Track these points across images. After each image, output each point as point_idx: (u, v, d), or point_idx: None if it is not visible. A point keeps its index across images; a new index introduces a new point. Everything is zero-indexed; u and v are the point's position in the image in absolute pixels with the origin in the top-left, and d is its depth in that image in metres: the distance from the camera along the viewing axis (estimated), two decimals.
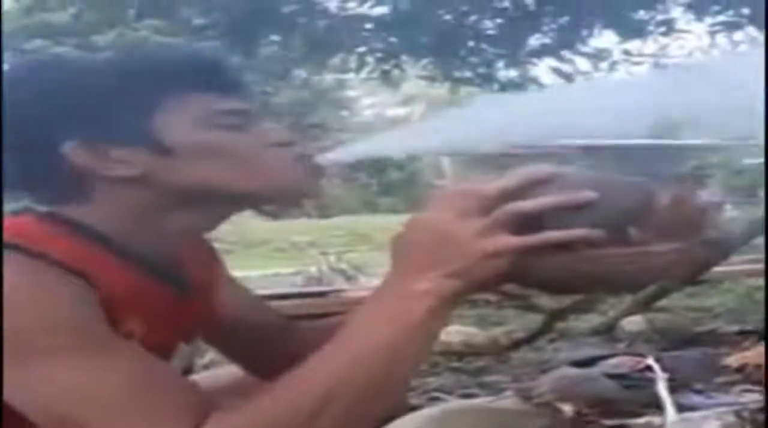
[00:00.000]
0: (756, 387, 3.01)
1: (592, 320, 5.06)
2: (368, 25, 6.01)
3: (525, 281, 1.10)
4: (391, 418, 2.41)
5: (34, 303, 1.00)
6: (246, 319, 1.55)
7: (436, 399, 3.31)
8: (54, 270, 1.03)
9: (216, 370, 2.34)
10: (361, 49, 6.13)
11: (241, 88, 1.27)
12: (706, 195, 1.06)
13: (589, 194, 1.02)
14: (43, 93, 1.17)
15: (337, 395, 0.99)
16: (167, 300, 1.24)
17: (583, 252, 1.01)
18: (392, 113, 24.08)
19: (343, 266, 8.87)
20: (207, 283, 1.40)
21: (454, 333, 4.36)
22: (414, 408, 2.75)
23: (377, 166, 20.46)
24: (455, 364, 4.06)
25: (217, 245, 1.52)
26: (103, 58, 1.31)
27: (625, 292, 1.08)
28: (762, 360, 3.08)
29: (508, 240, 1.01)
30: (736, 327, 4.55)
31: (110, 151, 1.16)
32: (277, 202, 1.34)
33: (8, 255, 1.02)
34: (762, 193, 15.28)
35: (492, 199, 1.03)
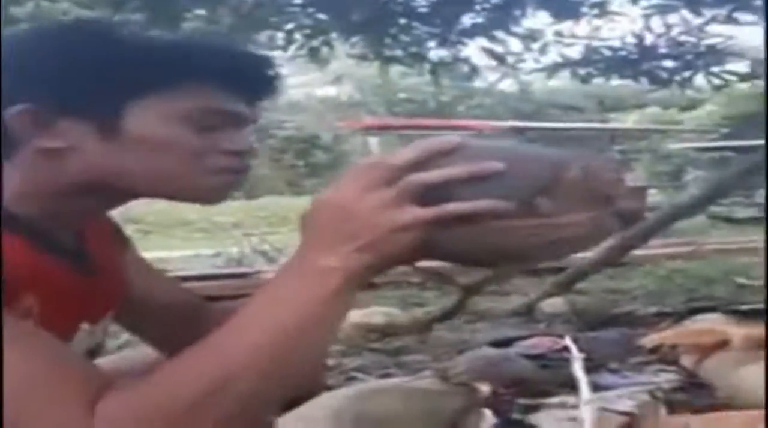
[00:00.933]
0: (670, 368, 3.06)
1: (512, 301, 5.12)
2: (297, 1, 5.94)
3: (436, 255, 1.07)
4: (309, 397, 2.40)
5: None
6: (158, 300, 1.51)
7: (354, 379, 3.31)
8: None
9: (131, 351, 2.30)
10: (289, 26, 6.05)
11: (254, 82, 1.24)
12: (614, 166, 1.05)
13: (495, 165, 0.99)
14: (26, 55, 1.14)
15: (234, 377, 0.95)
16: (66, 277, 1.20)
17: (491, 225, 0.99)
18: (321, 93, 24.01)
19: (266, 247, 8.81)
20: (111, 263, 1.36)
21: (376, 314, 4.37)
22: (332, 388, 2.75)
23: (304, 146, 20.42)
24: (374, 345, 4.07)
25: (136, 226, 1.48)
26: (120, 26, 1.25)
27: (534, 264, 1.09)
28: (678, 340, 3.13)
29: (414, 212, 0.98)
30: (654, 309, 4.62)
31: (58, 124, 1.11)
32: (182, 201, 1.30)
33: None
34: (686, 178, 15.67)
35: (396, 171, 0.99)
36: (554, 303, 4.67)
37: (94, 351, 1.33)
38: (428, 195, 0.98)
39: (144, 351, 1.64)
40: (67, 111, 1.12)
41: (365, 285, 1.05)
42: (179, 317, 1.51)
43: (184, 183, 1.18)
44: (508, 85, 24.65)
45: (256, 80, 1.25)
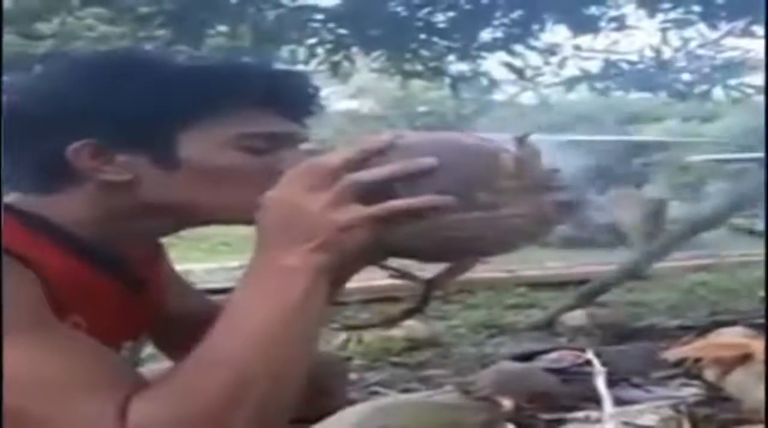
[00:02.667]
0: (693, 382, 3.04)
1: (534, 315, 5.11)
2: (318, 16, 5.96)
3: (394, 252, 1.09)
4: (332, 412, 2.40)
5: None
6: (190, 316, 1.53)
7: (376, 394, 3.31)
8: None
9: (155, 365, 2.32)
10: (311, 41, 6.08)
11: (298, 103, 1.24)
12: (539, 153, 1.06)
13: (429, 160, 1.00)
14: (76, 87, 1.15)
15: (249, 376, 0.97)
16: (115, 296, 1.21)
17: (438, 220, 1.00)
18: (343, 106, 24.02)
19: None
20: (154, 280, 1.37)
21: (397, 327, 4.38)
22: (354, 403, 2.75)
23: None
24: (396, 359, 4.07)
25: (161, 239, 1.49)
26: (164, 57, 1.27)
27: (487, 256, 1.09)
28: (701, 354, 3.12)
29: (357, 211, 0.99)
30: (676, 322, 4.59)
31: (115, 157, 1.14)
32: (248, 225, 1.31)
33: None
34: (707, 190, 15.58)
35: (336, 171, 1.00)
36: (575, 317, 4.66)
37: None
38: (372, 193, 1.00)
39: (166, 365, 1.65)
40: (123, 144, 1.14)
41: (335, 280, 1.05)
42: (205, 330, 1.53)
43: (248, 208, 1.19)
44: (527, 98, 24.65)
45: (299, 98, 1.25)
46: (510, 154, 1.04)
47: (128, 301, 1.23)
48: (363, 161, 1.01)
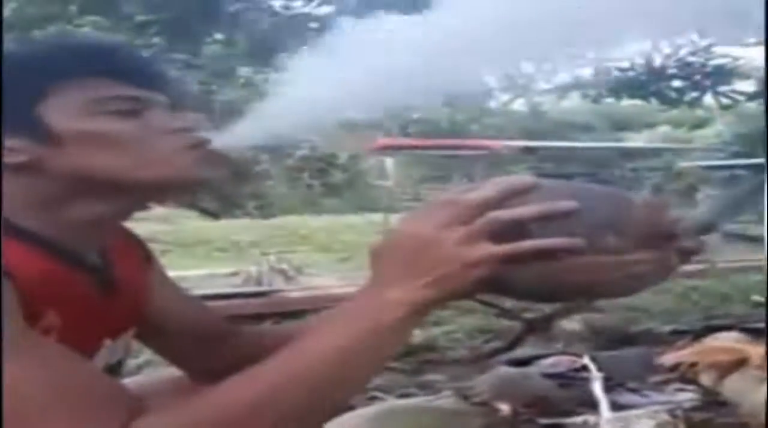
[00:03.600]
0: (689, 386, 3.06)
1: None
2: (313, 25, 6.00)
3: (502, 290, 1.10)
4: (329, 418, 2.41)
5: None
6: (182, 318, 1.53)
7: (374, 399, 3.32)
8: None
9: (152, 371, 2.33)
10: (304, 48, 6.12)
11: (145, 74, 1.26)
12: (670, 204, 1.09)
13: (569, 203, 1.03)
14: None
15: (268, 404, 0.98)
16: (89, 293, 1.23)
17: (563, 261, 1.02)
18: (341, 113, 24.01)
19: (284, 266, 8.82)
20: (134, 280, 1.38)
21: None
22: (353, 408, 2.76)
23: (320, 166, 20.43)
24: (394, 364, 4.07)
25: (155, 245, 1.50)
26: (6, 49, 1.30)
27: (600, 299, 1.12)
28: (697, 359, 3.14)
29: (490, 249, 1.00)
30: (671, 327, 4.61)
31: (7, 143, 1.16)
32: (166, 191, 1.32)
33: None
34: (700, 196, 15.62)
35: (474, 209, 1.02)
36: (571, 321, 4.67)
37: (114, 368, 1.35)
38: (502, 232, 1.01)
39: (166, 371, 1.67)
40: (6, 130, 1.16)
41: (425, 317, 1.07)
42: (202, 336, 1.53)
43: (159, 167, 1.19)
44: (519, 105, 24.70)
45: (141, 69, 1.26)
46: (643, 201, 1.07)
47: (103, 299, 1.25)
48: (503, 201, 1.03)
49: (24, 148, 1.16)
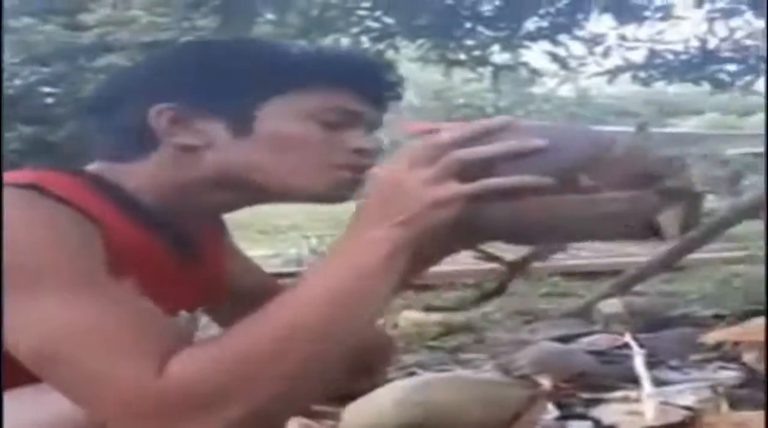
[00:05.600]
0: (731, 365, 3.05)
1: (569, 303, 5.12)
2: (365, 4, 6.00)
3: (478, 231, 1.11)
4: (371, 389, 2.44)
5: (37, 238, 1.02)
6: (252, 293, 1.56)
7: (413, 375, 3.34)
8: (63, 209, 1.07)
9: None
10: (355, 29, 6.12)
11: (378, 87, 1.30)
12: (658, 145, 1.07)
13: (537, 142, 1.03)
14: (164, 62, 1.29)
15: (296, 335, 1.01)
16: (172, 264, 1.26)
17: (532, 201, 1.02)
18: None
19: (324, 249, 8.88)
20: (213, 255, 1.42)
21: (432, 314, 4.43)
22: (389, 381, 2.78)
23: None
24: (432, 343, 4.10)
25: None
26: (251, 40, 1.36)
27: (577, 240, 1.08)
28: (739, 337, 3.12)
29: (456, 187, 1.02)
30: (711, 312, 4.59)
31: (193, 123, 1.21)
32: (304, 200, 1.35)
33: (25, 193, 1.06)
34: (745, 183, 15.39)
35: (443, 149, 1.04)
36: (611, 304, 4.65)
37: (186, 341, 1.39)
38: (471, 172, 1.02)
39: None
40: (204, 111, 1.21)
41: (421, 260, 1.12)
42: None
43: (309, 178, 1.24)
44: (566, 91, 24.52)
45: (380, 84, 1.30)
46: (618, 141, 1.04)
47: (184, 271, 1.29)
48: (473, 140, 1.04)
49: (209, 132, 1.22)
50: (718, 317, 4.36)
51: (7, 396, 1.04)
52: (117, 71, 1.31)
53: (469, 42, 6.21)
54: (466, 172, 1.02)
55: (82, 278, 1.02)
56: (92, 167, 1.25)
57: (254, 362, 0.99)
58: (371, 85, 1.28)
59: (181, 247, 1.28)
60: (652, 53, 6.28)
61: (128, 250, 1.12)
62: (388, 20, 6.01)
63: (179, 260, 1.28)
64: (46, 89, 13.01)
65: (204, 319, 1.53)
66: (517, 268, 1.23)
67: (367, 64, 1.33)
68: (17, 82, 12.30)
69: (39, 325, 0.99)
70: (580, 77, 7.48)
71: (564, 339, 3.59)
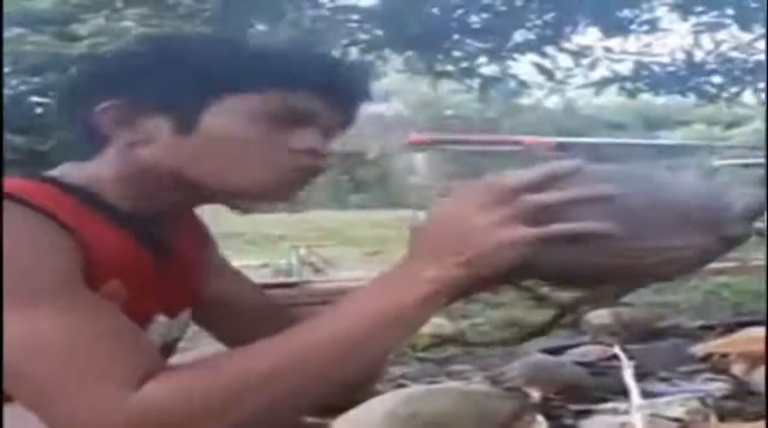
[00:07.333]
0: (721, 376, 3.05)
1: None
2: (355, 17, 6.02)
3: (535, 274, 1.11)
4: (360, 402, 2.43)
5: (13, 248, 1.00)
6: (239, 302, 1.56)
7: (402, 386, 3.33)
8: (37, 216, 1.06)
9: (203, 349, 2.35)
10: (345, 41, 6.14)
11: (340, 88, 1.29)
12: (723, 191, 1.07)
13: (607, 188, 1.04)
14: (118, 61, 1.28)
15: (282, 374, 1.00)
16: (148, 266, 1.26)
17: (598, 245, 1.02)
18: (369, 109, 24.10)
19: (314, 259, 8.90)
20: (193, 260, 1.42)
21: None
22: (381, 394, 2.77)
23: (349, 162, 20.46)
24: (421, 354, 4.09)
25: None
26: (198, 35, 1.34)
27: (639, 286, 1.10)
28: (728, 349, 3.13)
29: (524, 231, 1.02)
30: (699, 323, 4.60)
31: (137, 118, 1.20)
32: (253, 200, 1.35)
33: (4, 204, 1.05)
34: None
35: (513, 192, 1.04)
36: (600, 315, 4.66)
37: (171, 345, 1.38)
38: (538, 216, 1.02)
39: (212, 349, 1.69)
40: (150, 108, 1.20)
41: (455, 299, 1.09)
42: (258, 320, 1.55)
43: (250, 177, 1.23)
44: (553, 103, 24.57)
45: (340, 85, 1.29)
46: (691, 189, 1.06)
47: (161, 274, 1.28)
48: (542, 185, 1.04)
49: (153, 130, 1.22)
50: (706, 328, 4.36)
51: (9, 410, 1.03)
52: (80, 67, 1.30)
53: (457, 53, 6.24)
54: (533, 216, 1.02)
55: (56, 292, 1.01)
56: (57, 170, 1.25)
57: (229, 398, 0.98)
58: (330, 85, 1.27)
59: (154, 247, 1.28)
60: (639, 65, 6.35)
61: (104, 253, 1.11)
62: (377, 32, 6.03)
63: (153, 260, 1.27)
64: (37, 99, 13.00)
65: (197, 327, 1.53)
66: (569, 311, 1.23)
67: (329, 65, 1.31)
68: (7, 91, 12.29)
69: (5, 339, 0.97)
70: (568, 89, 7.51)
71: (554, 351, 3.58)
